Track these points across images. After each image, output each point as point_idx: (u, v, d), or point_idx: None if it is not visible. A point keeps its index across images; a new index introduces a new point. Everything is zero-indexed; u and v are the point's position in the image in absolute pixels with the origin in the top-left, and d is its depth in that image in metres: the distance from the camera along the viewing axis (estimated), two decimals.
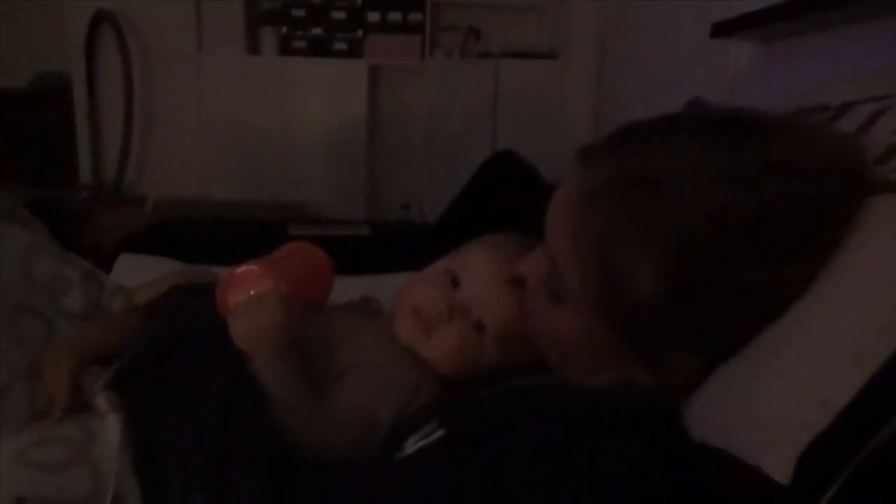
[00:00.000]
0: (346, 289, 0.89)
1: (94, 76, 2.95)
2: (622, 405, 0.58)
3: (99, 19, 2.86)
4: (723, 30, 1.61)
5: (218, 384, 0.65)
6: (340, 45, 3.08)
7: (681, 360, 0.58)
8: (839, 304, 0.52)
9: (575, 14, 2.96)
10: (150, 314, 0.73)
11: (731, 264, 0.54)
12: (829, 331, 0.51)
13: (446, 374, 0.75)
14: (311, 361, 0.72)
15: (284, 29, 3.05)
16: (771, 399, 0.51)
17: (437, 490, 0.54)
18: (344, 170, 3.08)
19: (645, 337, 0.58)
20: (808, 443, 0.46)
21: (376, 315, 0.84)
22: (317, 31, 3.06)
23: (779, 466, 0.47)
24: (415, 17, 3.06)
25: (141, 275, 0.98)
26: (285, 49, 3.06)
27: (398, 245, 1.34)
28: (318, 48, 3.07)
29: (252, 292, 0.70)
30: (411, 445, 0.62)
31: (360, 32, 3.06)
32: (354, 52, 3.07)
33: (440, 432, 0.60)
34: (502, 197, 1.36)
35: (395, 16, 3.06)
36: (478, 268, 0.75)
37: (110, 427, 0.64)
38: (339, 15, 3.06)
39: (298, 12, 3.04)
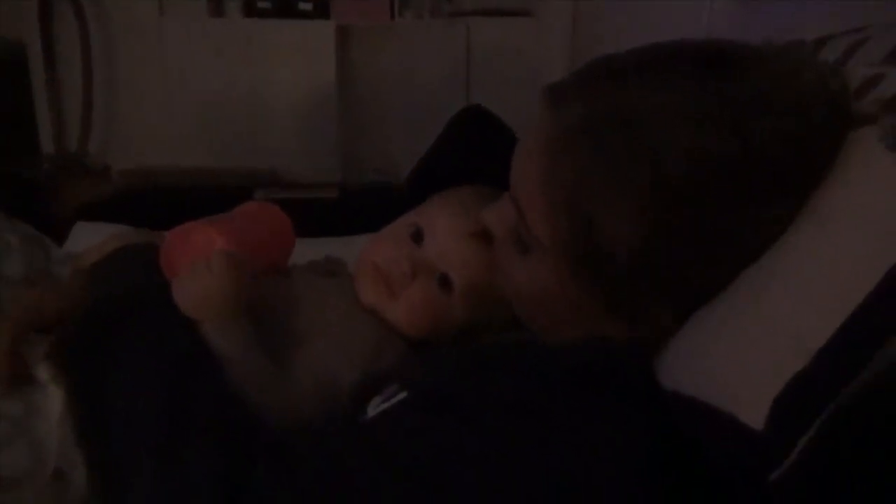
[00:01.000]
0: (314, 252, 0.85)
1: (51, 45, 2.83)
2: (595, 358, 0.55)
3: None
4: None
5: (170, 349, 0.60)
6: (305, 6, 3.01)
7: (656, 311, 0.56)
8: (818, 245, 0.49)
9: None
10: (94, 278, 0.69)
11: (713, 210, 0.51)
12: (808, 273, 0.48)
13: (414, 335, 0.72)
14: (269, 325, 0.67)
15: None
16: (746, 344, 0.48)
17: (397, 455, 0.51)
18: (316, 134, 3.02)
19: (620, 288, 0.55)
20: (783, 386, 0.44)
21: (340, 276, 0.80)
22: None
23: (754, 413, 0.44)
24: None
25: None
26: (250, 11, 2.96)
27: (368, 207, 1.31)
28: (284, 9, 2.98)
29: (198, 253, 0.65)
30: (374, 408, 0.59)
31: None
32: (321, 12, 2.99)
33: (402, 395, 0.57)
34: (472, 153, 1.32)
35: None
36: (442, 221, 0.71)
37: (52, 398, 0.59)
38: None
39: None
